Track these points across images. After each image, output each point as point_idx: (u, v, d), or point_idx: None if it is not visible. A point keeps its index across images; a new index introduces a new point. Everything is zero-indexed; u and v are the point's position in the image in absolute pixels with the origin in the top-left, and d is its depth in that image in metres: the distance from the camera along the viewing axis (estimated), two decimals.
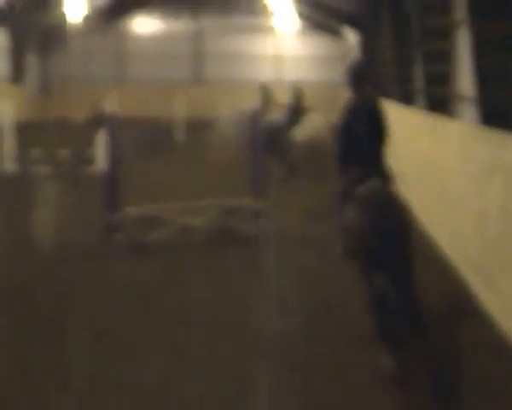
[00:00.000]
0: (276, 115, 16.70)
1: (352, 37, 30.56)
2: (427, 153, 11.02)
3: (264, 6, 33.64)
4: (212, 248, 9.59)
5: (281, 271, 8.43)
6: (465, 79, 12.38)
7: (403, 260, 5.56)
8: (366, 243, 5.57)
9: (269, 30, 36.75)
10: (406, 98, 16.69)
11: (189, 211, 10.29)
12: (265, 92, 17.66)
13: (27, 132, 22.20)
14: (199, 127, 26.38)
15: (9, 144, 16.94)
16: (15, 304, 7.34)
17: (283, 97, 18.22)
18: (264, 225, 10.22)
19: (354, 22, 27.37)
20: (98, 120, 14.99)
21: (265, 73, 35.28)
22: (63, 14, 29.93)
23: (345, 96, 29.68)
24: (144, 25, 37.73)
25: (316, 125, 16.86)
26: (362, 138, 6.21)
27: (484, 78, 8.87)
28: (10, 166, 16.80)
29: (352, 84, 6.44)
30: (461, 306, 6.76)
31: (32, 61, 35.22)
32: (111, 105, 15.06)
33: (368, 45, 25.47)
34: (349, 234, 5.86)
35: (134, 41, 37.51)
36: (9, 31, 32.09)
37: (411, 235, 5.81)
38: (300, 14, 34.92)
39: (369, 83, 6.70)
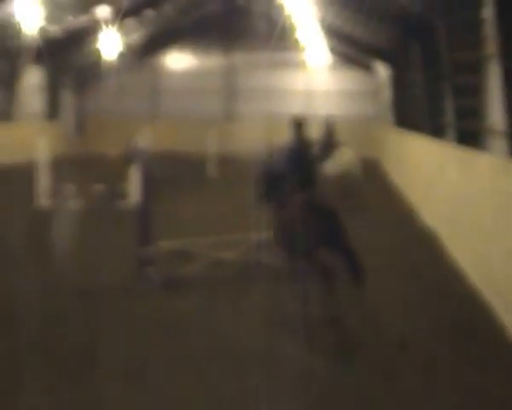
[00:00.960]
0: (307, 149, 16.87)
1: (382, 71, 30.77)
2: (457, 186, 11.04)
3: (295, 41, 34.09)
4: (244, 282, 9.64)
5: (313, 308, 8.44)
6: (495, 113, 12.44)
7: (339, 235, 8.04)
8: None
9: (300, 65, 37.21)
10: (437, 132, 16.76)
11: (220, 245, 10.36)
12: (299, 125, 17.73)
13: (62, 168, 22.70)
14: (230, 162, 26.76)
15: (45, 180, 17.42)
16: (49, 339, 7.43)
17: (314, 132, 18.43)
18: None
19: (385, 56, 27.59)
20: (132, 155, 15.31)
21: (296, 108, 35.63)
22: (98, 52, 30.68)
23: (375, 130, 29.86)
24: (177, 61, 38.63)
25: (347, 159, 16.99)
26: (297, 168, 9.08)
27: None
28: (45, 201, 17.23)
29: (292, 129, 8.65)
30: None
31: (66, 98, 36.27)
32: (144, 140, 15.20)
33: (398, 79, 25.63)
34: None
35: (167, 77, 38.35)
36: (45, 68, 33.24)
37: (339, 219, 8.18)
38: (331, 49, 35.32)
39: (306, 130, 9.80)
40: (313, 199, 8.37)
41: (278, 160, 11.08)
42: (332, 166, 16.58)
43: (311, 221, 7.90)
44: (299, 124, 12.41)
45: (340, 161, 16.82)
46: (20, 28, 24.88)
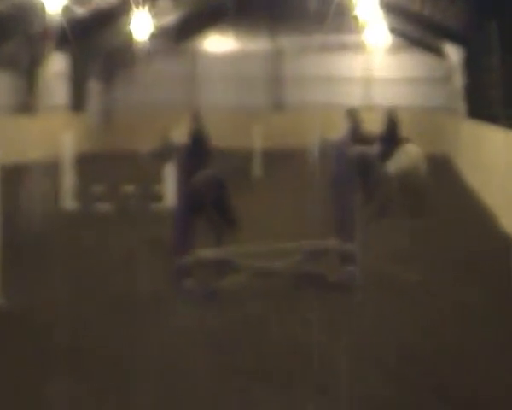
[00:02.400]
0: (367, 145, 16.83)
1: (454, 54, 30.47)
2: None
3: (353, 21, 33.93)
4: (292, 296, 9.60)
5: (374, 326, 8.38)
6: None
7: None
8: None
9: (356, 48, 37.05)
10: None
11: (266, 254, 10.37)
12: (354, 118, 17.82)
13: (89, 166, 23.06)
14: (278, 160, 26.80)
15: (70, 179, 17.72)
16: (84, 354, 7.59)
17: (374, 125, 18.37)
18: (352, 271, 10.22)
19: (456, 38, 27.32)
20: (167, 152, 15.48)
21: (353, 97, 35.50)
22: (128, 35, 31.08)
23: (445, 122, 29.57)
24: (217, 44, 38.87)
25: (412, 156, 16.89)
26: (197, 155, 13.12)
27: None
28: (71, 203, 17.53)
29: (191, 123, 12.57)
30: None
31: (94, 88, 36.86)
32: (181, 134, 15.51)
33: (472, 64, 25.36)
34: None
35: (206, 63, 38.64)
36: (70, 55, 33.82)
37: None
38: (394, 30, 35.05)
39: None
40: None
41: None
42: (395, 165, 16.52)
43: None
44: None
45: (405, 158, 16.73)
46: (42, 9, 25.37)
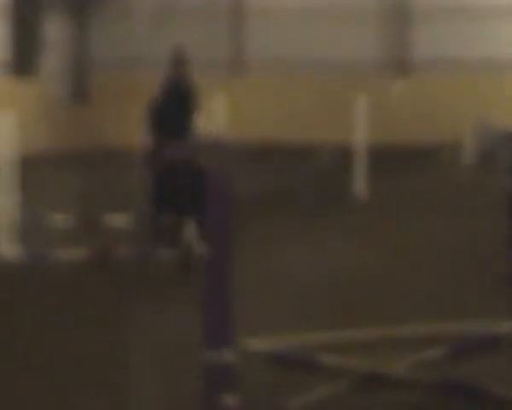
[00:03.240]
0: None
1: None
2: None
3: None
4: None
5: None
6: None
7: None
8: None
9: None
10: None
11: (380, 345, 7.62)
12: None
13: (45, 175, 18.29)
14: (398, 162, 21.44)
15: (11, 202, 12.49)
16: None
17: None
18: None
19: None
20: (190, 152, 11.58)
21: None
22: None
23: None
24: None
25: None
26: (174, 114, 11.52)
27: None
28: (10, 247, 12.26)
29: (169, 67, 11.77)
30: None
31: (52, 35, 27.59)
32: (213, 121, 11.42)
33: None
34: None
35: None
36: None
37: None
38: None
39: (185, 66, 11.92)
40: None
41: None
42: None
43: None
44: None
45: None
46: None
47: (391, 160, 21.51)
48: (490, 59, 26.29)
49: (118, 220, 11.45)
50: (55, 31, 27.12)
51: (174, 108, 11.61)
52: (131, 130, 20.94)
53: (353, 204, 16.94)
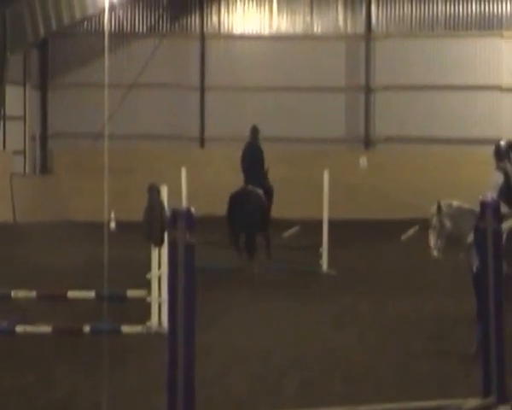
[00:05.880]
0: None
1: None
2: None
3: None
4: None
5: None
6: None
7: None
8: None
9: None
10: None
11: None
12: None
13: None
14: (362, 238, 21.45)
15: None
16: None
17: None
18: None
19: None
20: (154, 224, 10.96)
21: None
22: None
23: None
24: (245, 19, 28.74)
25: None
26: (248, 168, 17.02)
27: None
28: None
29: (249, 136, 17.58)
30: None
31: (14, 110, 25.87)
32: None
33: None
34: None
35: (223, 50, 28.61)
36: None
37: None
38: None
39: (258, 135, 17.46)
40: None
41: None
42: None
43: None
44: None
45: None
46: None
47: (356, 235, 22.01)
48: (457, 137, 27.07)
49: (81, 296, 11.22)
50: (16, 104, 26.43)
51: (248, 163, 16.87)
52: (91, 202, 21.36)
53: (324, 279, 16.55)
